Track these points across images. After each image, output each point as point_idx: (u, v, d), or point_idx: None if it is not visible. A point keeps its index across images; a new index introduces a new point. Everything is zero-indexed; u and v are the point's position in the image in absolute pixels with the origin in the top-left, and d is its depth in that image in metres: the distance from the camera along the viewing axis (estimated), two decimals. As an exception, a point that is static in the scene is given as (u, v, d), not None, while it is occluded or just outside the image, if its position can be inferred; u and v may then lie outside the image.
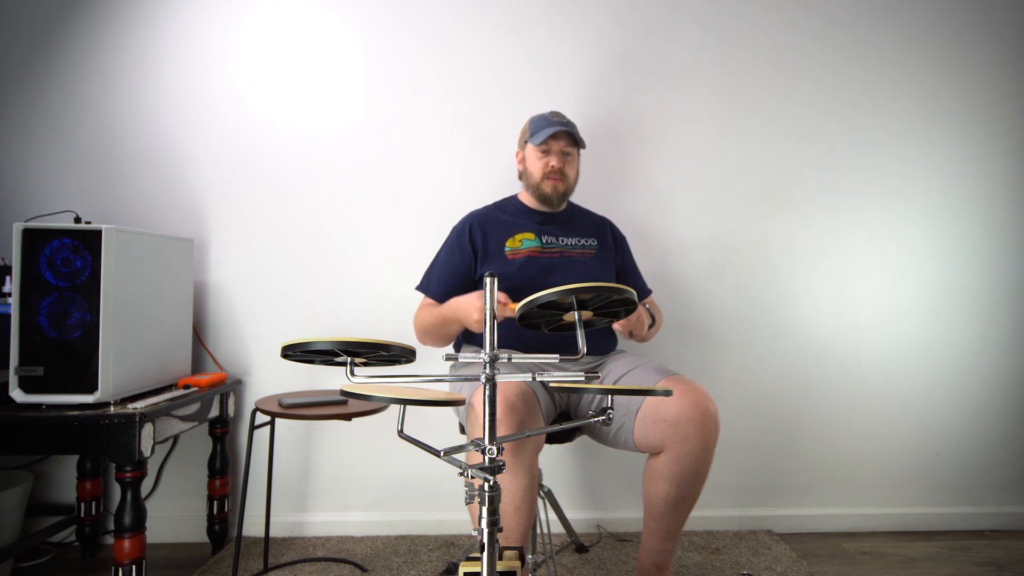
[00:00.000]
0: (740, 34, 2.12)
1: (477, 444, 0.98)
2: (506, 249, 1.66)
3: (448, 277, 1.68)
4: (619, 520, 2.08)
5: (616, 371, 1.56)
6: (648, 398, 1.40)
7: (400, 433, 1.02)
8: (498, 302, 1.36)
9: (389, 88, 2.06)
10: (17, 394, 1.44)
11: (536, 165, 1.69)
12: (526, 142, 1.72)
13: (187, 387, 1.73)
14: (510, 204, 1.78)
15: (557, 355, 1.04)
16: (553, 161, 1.66)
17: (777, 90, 2.13)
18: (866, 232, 2.15)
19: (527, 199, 1.76)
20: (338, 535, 2.02)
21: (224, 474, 1.92)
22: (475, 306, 1.45)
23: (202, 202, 2.03)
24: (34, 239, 1.45)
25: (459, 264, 1.68)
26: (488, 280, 0.99)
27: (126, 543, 1.39)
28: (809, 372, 2.14)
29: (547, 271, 1.63)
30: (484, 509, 0.95)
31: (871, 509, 2.15)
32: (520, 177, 1.76)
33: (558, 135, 1.66)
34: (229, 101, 2.03)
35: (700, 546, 1.97)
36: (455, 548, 1.94)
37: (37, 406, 1.45)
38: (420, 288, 1.73)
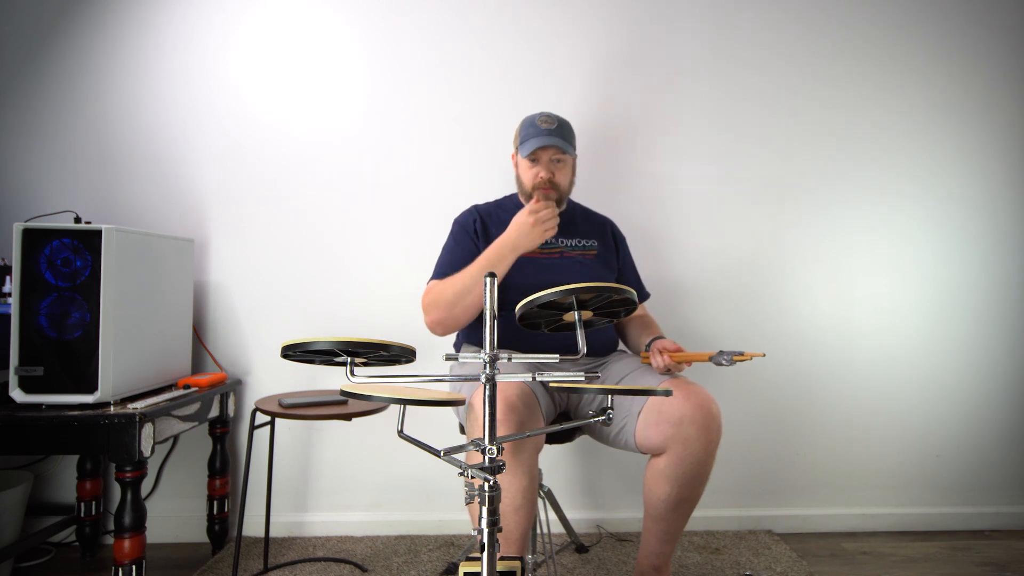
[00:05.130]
0: (744, 30, 2.12)
1: (477, 444, 0.98)
2: None
3: (464, 260, 1.57)
4: (619, 520, 2.08)
5: (619, 371, 1.56)
6: (651, 399, 1.40)
7: (400, 433, 1.02)
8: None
9: (391, 86, 2.06)
10: (17, 394, 1.44)
11: (527, 175, 1.66)
12: (517, 148, 1.70)
13: (187, 387, 1.73)
14: (510, 203, 1.78)
15: (557, 355, 1.04)
16: (542, 172, 1.63)
17: (781, 85, 2.13)
18: (866, 230, 2.15)
19: (524, 202, 1.75)
20: (338, 535, 2.02)
21: (224, 474, 1.92)
22: (523, 221, 1.49)
23: (202, 202, 2.03)
24: (34, 239, 1.46)
25: (471, 247, 1.62)
26: (487, 280, 0.99)
27: (126, 543, 1.39)
28: (809, 372, 2.14)
29: (546, 272, 1.62)
30: (484, 509, 0.95)
31: (871, 509, 2.15)
32: (516, 181, 1.76)
33: (546, 145, 1.61)
34: (229, 101, 2.03)
35: (700, 546, 1.97)
36: (455, 548, 1.94)
37: (37, 406, 1.45)
38: (433, 276, 1.62)
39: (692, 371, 2.05)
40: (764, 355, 1.42)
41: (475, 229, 1.67)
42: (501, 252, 1.50)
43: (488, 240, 1.65)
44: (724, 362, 1.38)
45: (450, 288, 1.52)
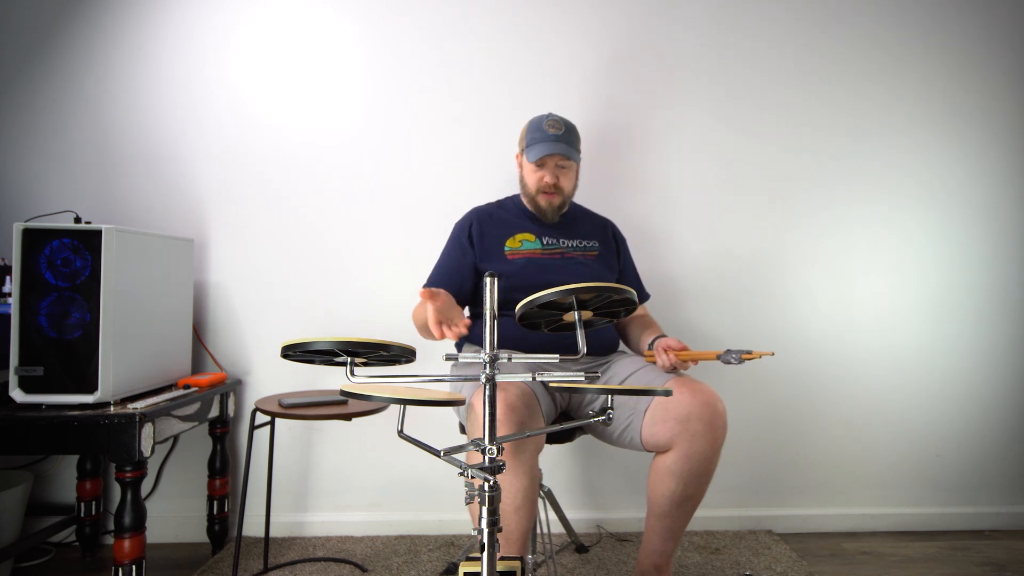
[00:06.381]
0: (744, 29, 2.12)
1: (477, 444, 0.98)
2: (506, 249, 1.66)
3: (448, 272, 1.67)
4: (619, 520, 2.08)
5: (623, 371, 1.56)
6: (657, 396, 1.40)
7: (400, 433, 1.02)
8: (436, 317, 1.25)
9: (391, 87, 2.06)
10: (17, 394, 1.44)
11: (531, 178, 1.67)
12: (523, 150, 1.71)
13: (187, 387, 1.73)
14: (512, 203, 1.78)
15: (557, 355, 1.04)
16: (547, 177, 1.65)
17: (782, 84, 2.13)
18: (866, 230, 2.15)
19: (527, 203, 1.75)
20: (338, 535, 2.02)
21: (224, 474, 1.92)
22: (431, 319, 1.29)
23: (202, 202, 2.03)
24: (34, 239, 1.46)
25: (459, 259, 1.67)
26: (488, 280, 0.99)
27: (126, 543, 1.39)
28: (809, 372, 2.14)
29: (547, 272, 1.62)
30: (484, 509, 0.95)
31: (871, 509, 2.15)
32: (519, 182, 1.76)
33: (553, 153, 1.63)
34: (229, 101, 2.03)
35: (700, 546, 1.97)
36: (455, 548, 1.94)
37: (37, 406, 1.45)
38: (426, 282, 1.69)
39: (694, 370, 2.06)
40: (773, 354, 1.43)
41: (469, 235, 1.69)
42: (421, 317, 1.46)
43: (483, 244, 1.67)
44: (733, 360, 1.37)
45: (416, 313, 1.60)
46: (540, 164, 1.65)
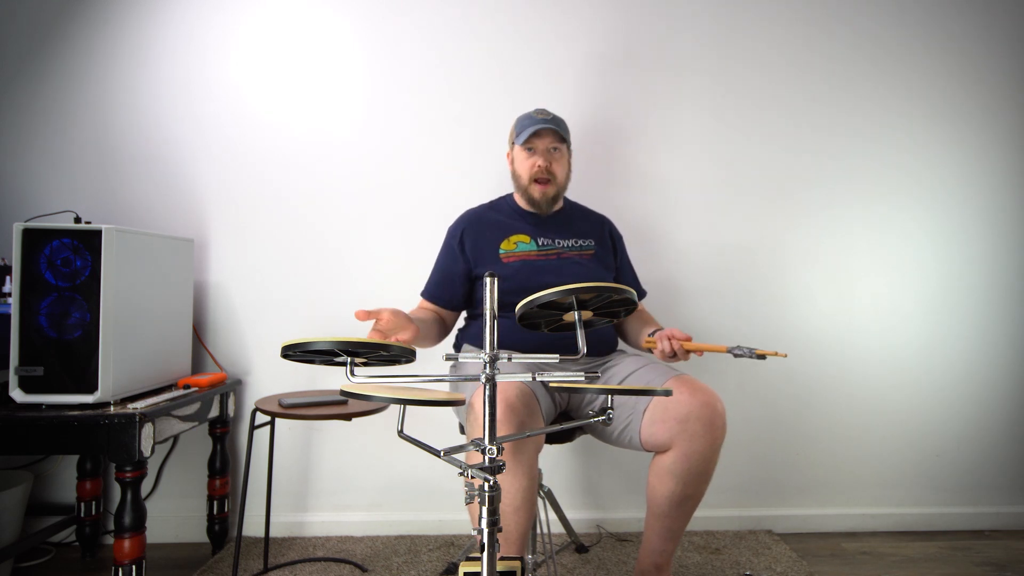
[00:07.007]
0: (744, 29, 2.12)
1: (477, 444, 0.98)
2: (500, 252, 1.65)
3: (440, 282, 1.70)
4: (619, 520, 2.08)
5: (623, 370, 1.55)
6: (657, 396, 1.40)
7: (400, 433, 1.02)
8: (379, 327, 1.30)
9: (391, 87, 2.06)
10: (17, 394, 1.44)
11: (523, 166, 1.67)
12: (513, 142, 1.71)
13: (187, 387, 1.73)
14: (505, 203, 1.77)
15: (557, 355, 1.04)
16: (539, 161, 1.64)
17: (782, 83, 2.13)
18: (867, 230, 2.15)
19: (520, 200, 1.75)
20: (338, 535, 2.02)
21: (224, 474, 1.92)
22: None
23: (202, 202, 2.03)
24: (34, 239, 1.46)
25: (452, 267, 1.68)
26: (488, 280, 0.99)
27: (126, 543, 1.39)
28: (809, 372, 2.14)
29: (543, 274, 1.61)
30: (484, 509, 0.95)
31: (871, 509, 2.15)
32: (512, 178, 1.75)
33: (542, 132, 1.63)
34: (229, 101, 2.03)
35: (700, 546, 1.97)
36: (455, 548, 1.94)
37: (37, 406, 1.45)
38: (422, 292, 1.73)
39: (694, 370, 2.06)
40: (787, 355, 1.39)
41: (460, 242, 1.69)
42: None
43: (477, 249, 1.66)
44: (745, 354, 1.33)
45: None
46: (531, 147, 1.65)
